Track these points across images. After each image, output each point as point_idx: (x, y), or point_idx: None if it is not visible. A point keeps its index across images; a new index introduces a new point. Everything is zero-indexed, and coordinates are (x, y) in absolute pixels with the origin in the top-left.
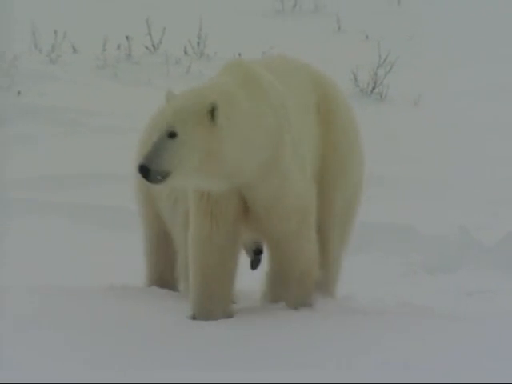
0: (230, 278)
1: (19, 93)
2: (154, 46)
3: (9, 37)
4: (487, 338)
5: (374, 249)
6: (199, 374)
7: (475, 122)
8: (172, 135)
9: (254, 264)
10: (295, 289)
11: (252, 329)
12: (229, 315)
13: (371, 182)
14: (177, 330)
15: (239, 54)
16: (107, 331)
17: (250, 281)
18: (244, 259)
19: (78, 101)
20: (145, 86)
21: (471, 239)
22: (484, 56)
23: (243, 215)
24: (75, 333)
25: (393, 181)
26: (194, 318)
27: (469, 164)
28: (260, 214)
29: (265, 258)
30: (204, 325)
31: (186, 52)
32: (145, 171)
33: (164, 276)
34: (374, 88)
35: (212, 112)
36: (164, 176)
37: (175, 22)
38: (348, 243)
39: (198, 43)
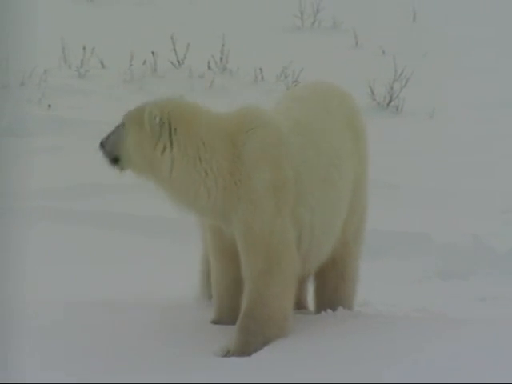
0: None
1: (49, 106)
2: (178, 61)
3: (39, 52)
4: (499, 343)
5: (390, 256)
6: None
7: (488, 133)
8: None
9: None
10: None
11: None
12: None
13: (387, 191)
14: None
15: (260, 69)
16: (128, 344)
17: None
18: None
19: (105, 114)
20: None
21: (484, 246)
22: (498, 70)
23: None
24: (95, 346)
25: (408, 190)
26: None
27: (481, 174)
28: (236, 245)
29: None
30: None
31: (209, 67)
32: (100, 148)
33: None
34: (390, 101)
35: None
36: (114, 160)
37: (199, 38)
38: (361, 254)
39: (221, 58)
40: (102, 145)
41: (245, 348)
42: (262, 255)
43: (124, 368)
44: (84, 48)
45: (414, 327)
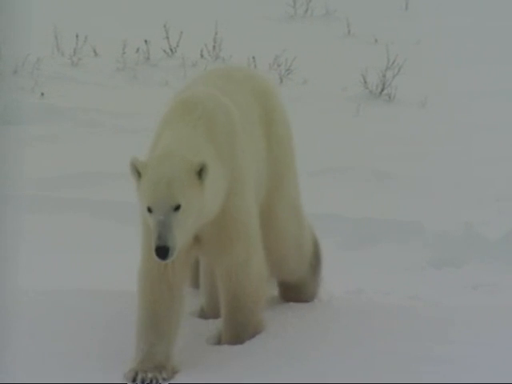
0: (176, 318)
1: (42, 94)
2: (171, 49)
3: (32, 40)
4: (491, 331)
5: (382, 244)
6: None
7: (481, 122)
8: (177, 208)
9: None
10: (243, 318)
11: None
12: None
13: (380, 179)
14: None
15: (253, 58)
16: (120, 333)
17: None
18: None
19: (98, 102)
20: (162, 87)
21: (476, 235)
22: (490, 58)
23: (194, 248)
24: (85, 335)
25: (400, 178)
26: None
27: (474, 162)
28: (210, 244)
29: None
30: None
31: (202, 55)
32: (165, 251)
33: None
34: (382, 90)
35: (200, 173)
36: (172, 253)
37: (192, 26)
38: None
39: (214, 47)
40: (166, 247)
41: (237, 341)
42: (243, 244)
43: (112, 358)
44: (77, 36)
45: (406, 315)
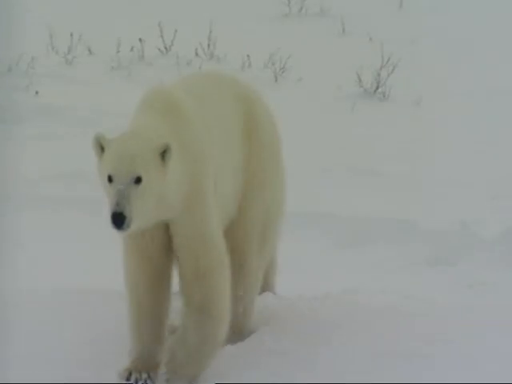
0: (162, 318)
1: (37, 93)
2: (165, 47)
3: (26, 39)
4: (486, 329)
5: (377, 242)
6: None
7: (475, 120)
8: (138, 181)
9: None
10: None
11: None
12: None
13: (374, 178)
14: None
15: (248, 56)
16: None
17: None
18: None
19: (93, 100)
20: None
21: (471, 233)
22: (485, 57)
23: (169, 251)
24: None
25: (395, 177)
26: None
27: (469, 161)
28: (182, 248)
29: None
30: None
31: (196, 54)
32: (121, 218)
33: None
34: (377, 88)
35: (163, 155)
36: (129, 224)
37: (186, 25)
38: (266, 257)
39: (209, 45)
40: (123, 215)
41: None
42: (215, 251)
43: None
44: (71, 35)
45: (401, 314)
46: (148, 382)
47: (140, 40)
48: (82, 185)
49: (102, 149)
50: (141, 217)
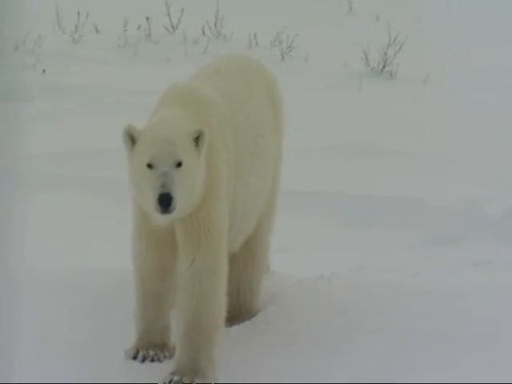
0: (167, 297)
1: (44, 71)
2: (172, 26)
3: (33, 18)
4: (491, 308)
5: (384, 221)
6: None
7: (483, 98)
8: (179, 165)
9: None
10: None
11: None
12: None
13: (381, 157)
14: None
15: (254, 35)
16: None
17: None
18: None
19: (99, 79)
20: (164, 64)
21: (477, 212)
22: (491, 35)
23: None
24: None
25: (401, 155)
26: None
27: (476, 139)
28: (181, 242)
29: None
30: None
31: (203, 32)
32: (169, 200)
33: None
34: (384, 67)
35: (197, 140)
36: (175, 205)
37: (193, 3)
38: (272, 232)
39: (215, 24)
40: (171, 196)
41: (193, 365)
42: (213, 249)
43: (113, 336)
44: (78, 13)
45: (409, 292)
46: (155, 359)
47: (147, 18)
48: (90, 163)
49: (132, 140)
50: (182, 201)
